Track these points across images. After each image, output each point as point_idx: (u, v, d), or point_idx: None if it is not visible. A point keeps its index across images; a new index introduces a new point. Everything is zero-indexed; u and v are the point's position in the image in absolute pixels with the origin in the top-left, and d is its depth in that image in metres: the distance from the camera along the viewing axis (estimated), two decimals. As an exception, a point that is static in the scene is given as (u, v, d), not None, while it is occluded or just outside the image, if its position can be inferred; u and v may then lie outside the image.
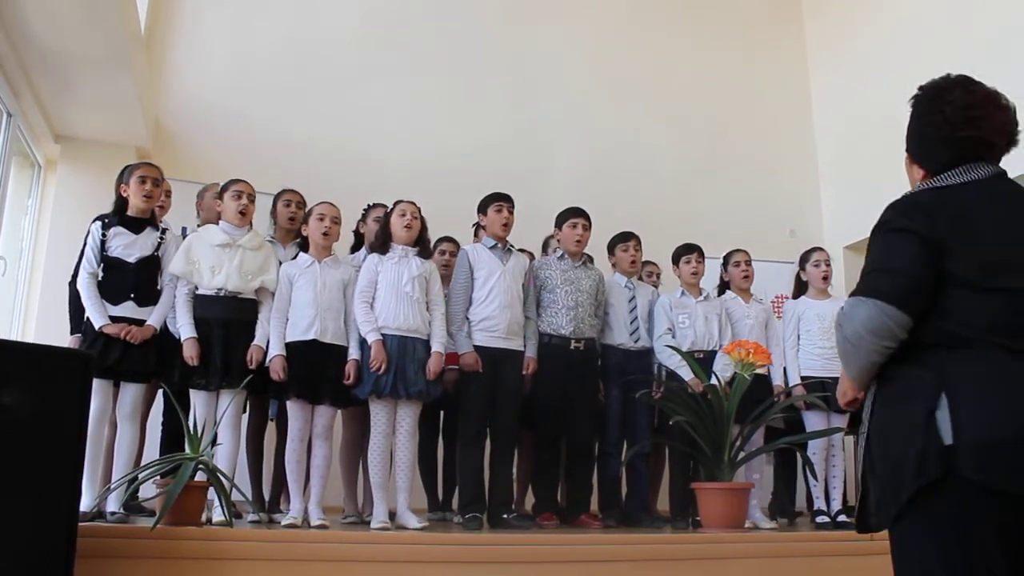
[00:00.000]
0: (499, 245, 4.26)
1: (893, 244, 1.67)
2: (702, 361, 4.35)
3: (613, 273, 4.76)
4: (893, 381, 1.67)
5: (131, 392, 3.54)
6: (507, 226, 4.26)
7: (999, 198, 1.71)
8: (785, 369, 4.62)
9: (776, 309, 5.22)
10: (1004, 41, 5.48)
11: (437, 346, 3.84)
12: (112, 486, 3.37)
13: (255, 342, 3.68)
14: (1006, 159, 1.79)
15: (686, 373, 4.33)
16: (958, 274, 1.61)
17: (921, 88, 1.82)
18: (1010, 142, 1.77)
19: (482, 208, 4.35)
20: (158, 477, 3.21)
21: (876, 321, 1.60)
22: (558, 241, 4.59)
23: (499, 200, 4.28)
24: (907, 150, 1.87)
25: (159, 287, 3.67)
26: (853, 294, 1.69)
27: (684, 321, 4.56)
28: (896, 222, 1.68)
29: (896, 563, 1.65)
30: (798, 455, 4.42)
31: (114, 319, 3.51)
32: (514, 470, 4.35)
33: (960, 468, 1.51)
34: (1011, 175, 1.77)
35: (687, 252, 4.72)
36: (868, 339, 1.62)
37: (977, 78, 1.81)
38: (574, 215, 4.51)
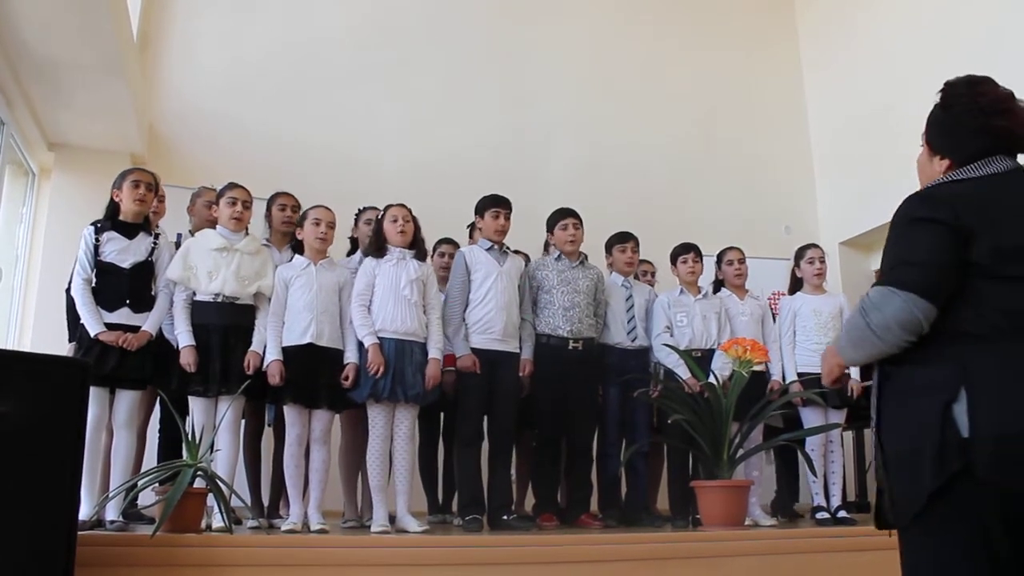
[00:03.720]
0: (496, 247, 4.26)
1: (918, 234, 1.66)
2: (700, 360, 4.35)
3: (610, 273, 4.76)
4: (905, 374, 1.65)
5: (127, 399, 3.53)
6: (503, 231, 4.27)
7: (1017, 190, 1.71)
8: (783, 365, 4.62)
9: (773, 306, 5.23)
10: (996, 35, 5.50)
11: (435, 352, 3.84)
12: (111, 494, 3.37)
13: (252, 348, 3.67)
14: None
15: (684, 372, 4.33)
16: (977, 263, 1.61)
17: (949, 82, 1.83)
18: None
19: (479, 211, 4.34)
20: (157, 484, 3.20)
21: (906, 314, 1.59)
22: (553, 245, 4.59)
23: (497, 206, 4.27)
24: (928, 141, 1.86)
25: (153, 293, 3.67)
26: (879, 284, 1.67)
27: (682, 320, 4.56)
28: (918, 212, 1.68)
29: (909, 559, 1.63)
30: (797, 452, 4.42)
31: (110, 326, 3.49)
32: (513, 471, 4.36)
33: (974, 463, 1.50)
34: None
35: (684, 252, 4.72)
36: (896, 332, 1.61)
37: (972, 69, 1.83)
38: (563, 216, 4.51)
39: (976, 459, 1.50)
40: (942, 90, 1.83)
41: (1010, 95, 1.77)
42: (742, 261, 4.77)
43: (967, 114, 1.76)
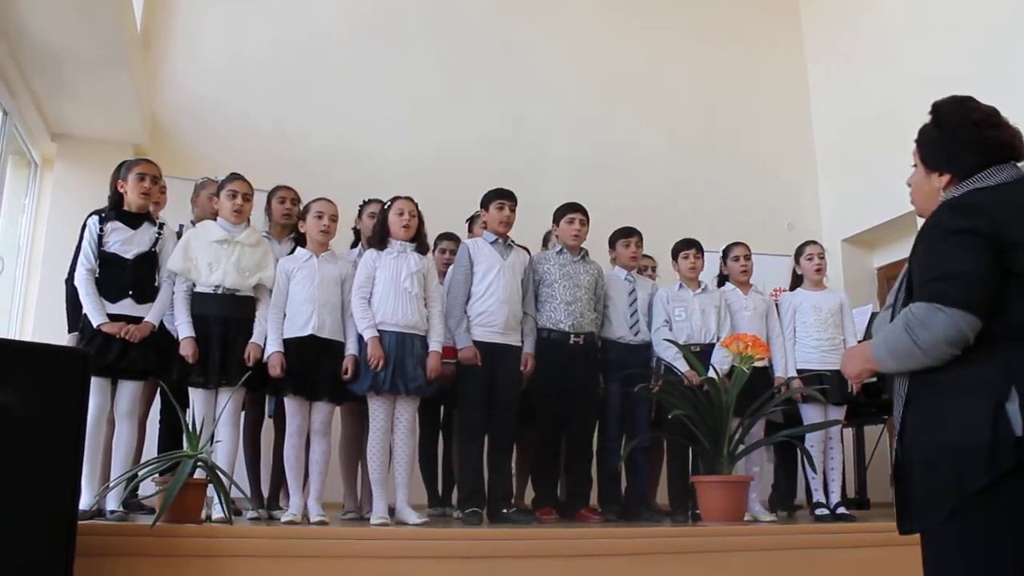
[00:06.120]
0: (499, 240, 4.25)
1: (957, 247, 1.67)
2: (699, 354, 4.35)
3: (613, 267, 4.76)
4: (942, 376, 1.67)
5: (129, 390, 3.53)
6: (507, 224, 4.26)
7: None
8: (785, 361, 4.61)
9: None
10: (1000, 35, 5.47)
11: (435, 345, 3.84)
12: (111, 484, 3.37)
13: (253, 339, 3.67)
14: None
15: (683, 366, 4.33)
16: (1016, 269, 1.64)
17: (938, 102, 1.88)
18: (1018, 149, 1.83)
19: (484, 203, 4.33)
20: (157, 475, 3.20)
21: (954, 330, 1.62)
22: (556, 236, 4.59)
23: (502, 197, 4.26)
24: (924, 160, 1.90)
25: (157, 284, 3.66)
26: (921, 299, 1.68)
27: (680, 315, 4.55)
28: (955, 223, 1.69)
29: (938, 556, 1.64)
30: (797, 448, 4.42)
31: (112, 317, 3.49)
32: (513, 465, 4.36)
33: None
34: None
35: (685, 247, 4.71)
36: (944, 348, 1.64)
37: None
38: (571, 210, 4.51)
39: None
40: (932, 111, 1.88)
41: (996, 110, 1.84)
42: (748, 257, 4.75)
43: (961, 129, 1.82)
